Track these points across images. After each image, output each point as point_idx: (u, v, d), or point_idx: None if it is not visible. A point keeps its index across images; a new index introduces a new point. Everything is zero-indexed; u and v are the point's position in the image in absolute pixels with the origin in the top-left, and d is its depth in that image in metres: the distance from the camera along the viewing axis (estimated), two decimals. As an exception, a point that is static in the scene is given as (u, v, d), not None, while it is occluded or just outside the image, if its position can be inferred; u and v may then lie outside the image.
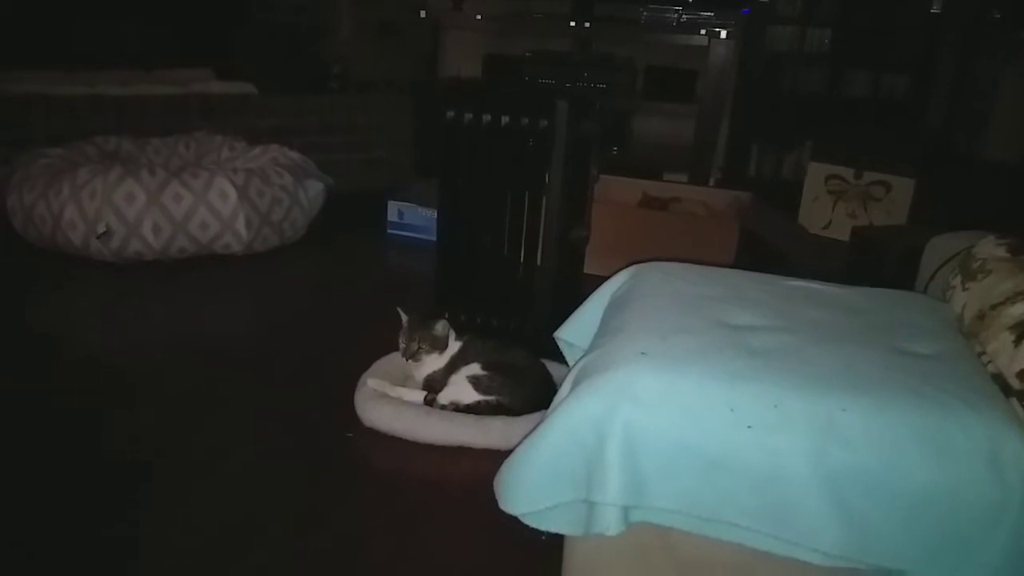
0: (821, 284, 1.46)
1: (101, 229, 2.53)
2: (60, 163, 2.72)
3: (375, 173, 3.72)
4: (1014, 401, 1.10)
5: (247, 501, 1.54)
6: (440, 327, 1.86)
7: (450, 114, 2.07)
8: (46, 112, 3.10)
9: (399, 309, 1.88)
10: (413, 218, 3.13)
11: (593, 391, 1.08)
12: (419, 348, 1.84)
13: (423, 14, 4.10)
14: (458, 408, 1.78)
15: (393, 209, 3.17)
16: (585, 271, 2.41)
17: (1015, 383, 1.11)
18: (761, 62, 4.52)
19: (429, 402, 1.81)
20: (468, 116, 2.06)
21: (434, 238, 2.25)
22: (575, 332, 1.56)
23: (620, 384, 1.07)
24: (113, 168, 2.61)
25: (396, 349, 1.90)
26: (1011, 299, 1.23)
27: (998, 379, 1.15)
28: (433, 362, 1.86)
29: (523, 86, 3.96)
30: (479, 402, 1.78)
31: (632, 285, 1.43)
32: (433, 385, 1.85)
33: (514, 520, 1.15)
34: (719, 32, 3.71)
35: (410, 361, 1.85)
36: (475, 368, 1.83)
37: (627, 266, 1.51)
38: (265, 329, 2.38)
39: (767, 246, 3.22)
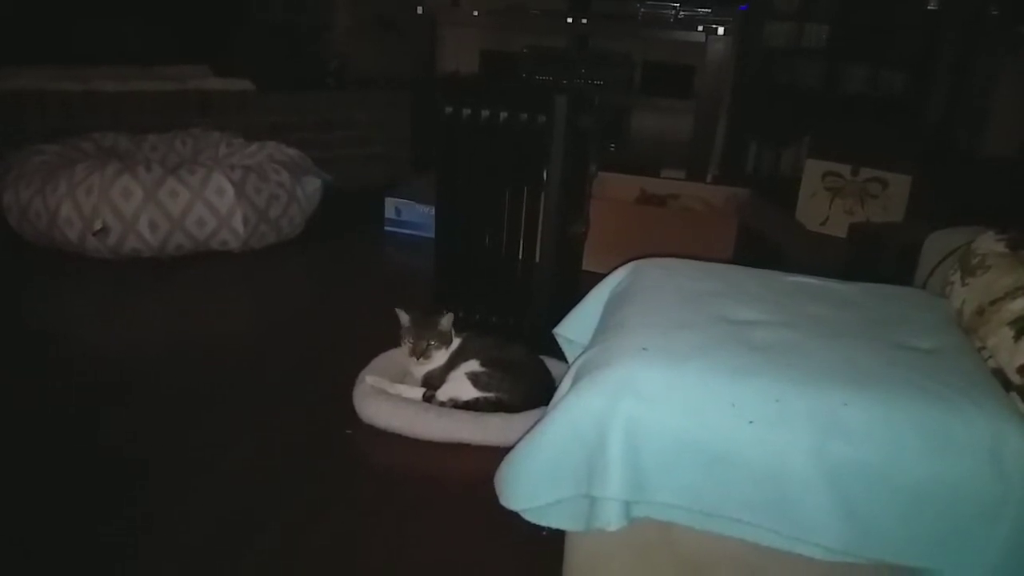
0: (820, 280, 1.45)
1: (98, 226, 2.52)
2: (57, 159, 2.70)
3: (373, 169, 3.72)
4: (1014, 396, 1.10)
5: (245, 498, 1.53)
6: (446, 322, 1.86)
7: (448, 110, 2.07)
8: (43, 108, 3.09)
9: (397, 310, 1.87)
10: (411, 215, 3.13)
11: (594, 386, 1.08)
12: (428, 345, 1.83)
13: (420, 10, 4.09)
14: (457, 405, 1.78)
15: (391, 206, 3.16)
16: (584, 268, 2.41)
17: (1015, 378, 1.12)
18: (758, 58, 4.52)
19: (428, 399, 1.80)
20: (466, 112, 2.05)
21: (431, 235, 2.25)
22: (574, 328, 1.56)
23: (621, 379, 1.07)
24: (110, 164, 2.60)
25: (395, 345, 1.90)
26: (1011, 294, 1.24)
27: (998, 374, 1.15)
28: (438, 358, 1.85)
29: (521, 82, 3.96)
30: (478, 399, 1.78)
31: (632, 281, 1.43)
32: (432, 382, 1.84)
33: (515, 516, 1.15)
34: (716, 28, 3.70)
35: (420, 359, 1.84)
36: (474, 365, 1.82)
37: (626, 262, 1.51)
38: (263, 326, 2.37)
39: (765, 242, 3.22)
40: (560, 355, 1.69)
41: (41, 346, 2.11)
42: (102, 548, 1.39)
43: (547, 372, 1.87)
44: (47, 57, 3.33)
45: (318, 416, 1.83)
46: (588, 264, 2.40)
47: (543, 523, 1.14)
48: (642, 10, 3.92)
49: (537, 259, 2.13)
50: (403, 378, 1.89)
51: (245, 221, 2.69)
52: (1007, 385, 1.12)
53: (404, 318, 1.86)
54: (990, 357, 1.19)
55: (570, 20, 3.97)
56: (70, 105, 3.14)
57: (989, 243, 1.42)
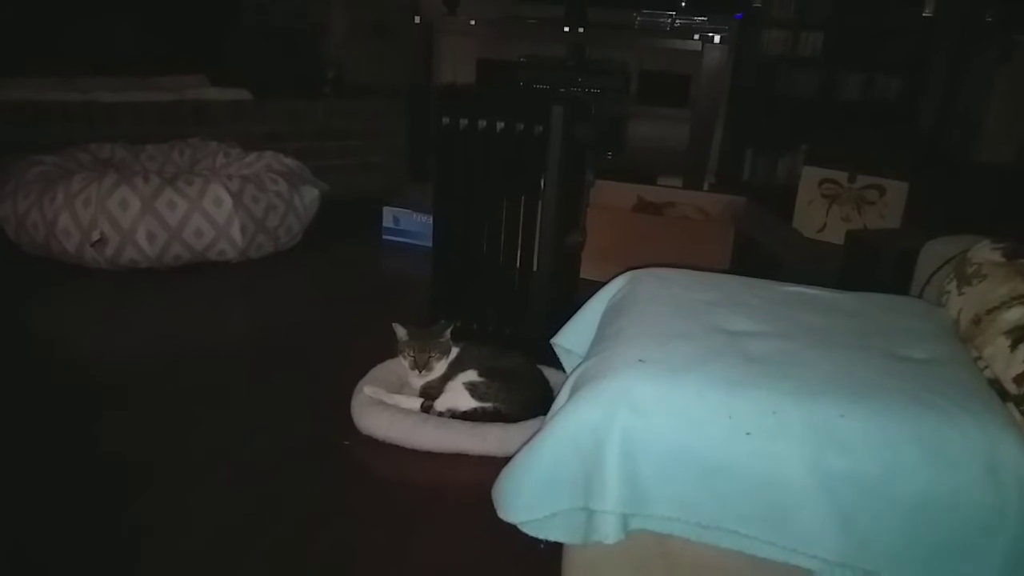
0: (817, 289, 1.46)
1: (95, 237, 2.52)
2: (54, 170, 2.71)
3: (370, 178, 3.72)
4: (1011, 406, 1.10)
5: (244, 506, 1.53)
6: (447, 333, 1.86)
7: (446, 119, 2.07)
8: (41, 119, 3.09)
9: (394, 325, 1.87)
10: (408, 224, 3.13)
11: (591, 398, 1.08)
12: (430, 357, 1.83)
13: (417, 19, 4.10)
14: (455, 415, 1.78)
15: (388, 215, 3.16)
16: (581, 276, 2.41)
17: (1012, 388, 1.12)
18: (755, 66, 4.54)
19: (426, 409, 1.80)
20: (464, 121, 2.06)
21: (429, 244, 2.25)
22: (572, 338, 1.56)
23: (618, 391, 1.07)
24: (107, 175, 2.60)
25: (392, 356, 1.90)
26: (1007, 304, 1.24)
27: (994, 384, 1.15)
28: (438, 369, 1.85)
29: (518, 91, 3.97)
30: (476, 409, 1.77)
31: (629, 291, 1.43)
32: (430, 392, 1.84)
33: (512, 528, 1.15)
34: (713, 37, 3.72)
35: (423, 372, 1.84)
36: (472, 375, 1.82)
37: (623, 272, 1.51)
38: (261, 336, 2.37)
39: (762, 250, 3.23)
40: (558, 364, 1.69)
41: (40, 356, 2.11)
42: (103, 553, 1.38)
43: (545, 382, 1.87)
44: (42, 65, 3.34)
45: (317, 425, 1.83)
46: (586, 273, 2.40)
47: (541, 536, 1.14)
48: (639, 19, 3.94)
49: (535, 268, 2.13)
50: (401, 388, 1.89)
51: (243, 231, 2.69)
52: (1003, 395, 1.12)
53: (401, 332, 1.86)
54: (986, 367, 1.19)
55: (567, 29, 3.99)
56: (69, 115, 3.14)
57: (985, 252, 1.42)
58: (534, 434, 1.14)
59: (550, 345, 1.62)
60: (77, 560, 1.37)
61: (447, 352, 1.87)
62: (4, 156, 2.82)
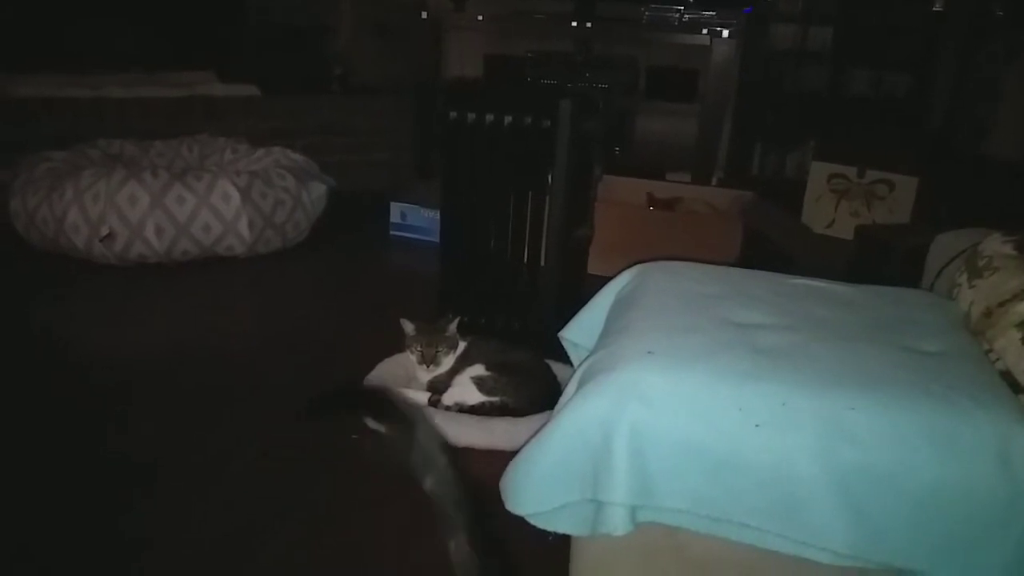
0: (826, 282, 1.45)
1: (104, 232, 2.53)
2: (64, 166, 2.72)
3: (377, 174, 3.72)
4: (1023, 398, 1.09)
5: (252, 503, 1.53)
6: (453, 327, 1.87)
7: (453, 114, 2.07)
8: (49, 115, 3.11)
9: (402, 320, 1.87)
10: (416, 219, 3.13)
11: (599, 390, 1.07)
12: (438, 351, 1.84)
13: (424, 15, 4.10)
14: (462, 409, 1.78)
15: (396, 210, 3.17)
16: (588, 271, 2.40)
17: (1024, 380, 1.11)
18: (763, 61, 4.52)
19: (433, 403, 1.80)
20: (471, 116, 2.06)
21: (437, 239, 2.25)
22: (580, 332, 1.55)
23: (627, 383, 1.07)
24: (116, 171, 2.61)
25: (400, 350, 1.90)
26: (1018, 296, 1.23)
27: (1006, 376, 1.14)
28: (446, 363, 1.86)
29: (526, 86, 3.97)
30: (483, 403, 1.77)
31: (637, 284, 1.42)
32: (437, 386, 1.84)
33: (521, 521, 1.15)
34: (721, 31, 3.71)
35: (431, 367, 1.84)
36: (479, 369, 1.82)
37: (631, 266, 1.51)
38: (268, 331, 2.38)
39: (771, 245, 3.21)
40: (565, 359, 1.68)
41: (48, 352, 2.12)
42: (109, 553, 1.39)
43: (553, 376, 1.87)
44: (51, 62, 3.36)
45: (324, 421, 1.83)
46: (593, 268, 2.40)
47: (549, 528, 1.14)
48: (647, 14, 3.93)
49: (542, 263, 2.13)
50: (409, 383, 1.89)
51: (251, 226, 2.69)
52: (1015, 388, 1.11)
53: (409, 327, 1.86)
54: (998, 359, 1.19)
55: (575, 24, 3.98)
56: (78, 112, 3.16)
57: (996, 245, 1.41)
58: (542, 427, 1.14)
59: (558, 339, 1.62)
60: (81, 561, 1.37)
61: (454, 347, 1.87)
62: (13, 152, 2.84)
